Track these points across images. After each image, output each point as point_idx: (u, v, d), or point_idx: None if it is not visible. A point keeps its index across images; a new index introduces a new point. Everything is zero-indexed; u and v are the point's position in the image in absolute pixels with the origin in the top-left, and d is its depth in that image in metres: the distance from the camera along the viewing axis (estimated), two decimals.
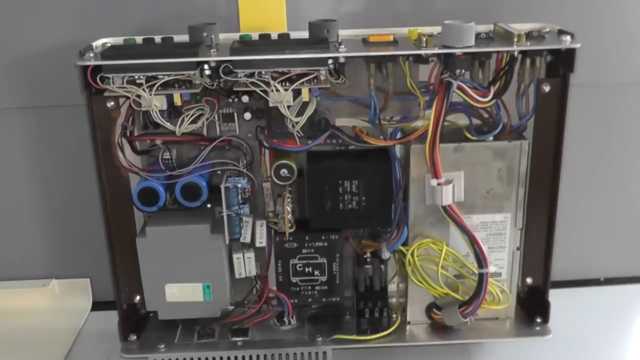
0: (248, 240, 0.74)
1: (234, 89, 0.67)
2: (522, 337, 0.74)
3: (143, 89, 0.64)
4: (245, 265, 0.75)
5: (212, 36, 0.67)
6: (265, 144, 0.72)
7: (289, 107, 0.66)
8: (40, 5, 0.78)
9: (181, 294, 0.73)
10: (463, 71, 0.66)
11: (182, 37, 0.70)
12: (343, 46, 0.64)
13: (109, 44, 0.71)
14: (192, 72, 0.65)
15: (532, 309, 0.75)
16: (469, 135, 0.69)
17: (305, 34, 0.70)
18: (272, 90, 0.65)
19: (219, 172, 0.74)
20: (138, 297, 0.76)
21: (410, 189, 0.70)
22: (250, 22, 0.78)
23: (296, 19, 0.78)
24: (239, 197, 0.73)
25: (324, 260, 0.75)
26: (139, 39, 0.71)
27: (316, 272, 0.75)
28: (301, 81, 0.65)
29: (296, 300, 0.76)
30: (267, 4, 0.78)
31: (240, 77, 0.64)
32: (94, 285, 0.89)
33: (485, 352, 0.77)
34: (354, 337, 0.74)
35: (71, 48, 0.65)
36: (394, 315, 0.76)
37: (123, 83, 0.65)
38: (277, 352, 0.73)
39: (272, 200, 0.74)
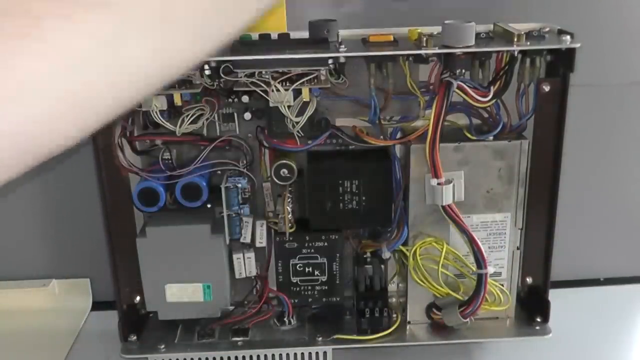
0: (248, 240, 0.74)
1: (234, 89, 0.67)
2: (522, 337, 0.74)
3: None
4: (246, 265, 0.75)
5: None
6: (265, 144, 0.72)
7: (289, 107, 0.66)
8: None
9: (181, 294, 0.73)
10: (463, 71, 0.65)
11: None
12: (343, 46, 0.64)
13: None
14: (192, 72, 0.65)
15: (532, 308, 0.75)
16: (469, 135, 0.69)
17: (305, 34, 0.70)
18: (273, 90, 0.65)
19: (219, 172, 0.74)
20: (138, 297, 0.76)
21: (410, 188, 0.70)
22: None
23: (296, 19, 0.78)
24: (239, 197, 0.73)
25: (324, 260, 0.75)
26: None
27: (316, 272, 0.75)
28: (301, 81, 0.65)
29: (296, 300, 0.76)
30: None
31: (241, 77, 0.64)
32: (94, 285, 0.89)
33: (485, 351, 0.77)
34: (354, 337, 0.74)
35: None
36: (394, 315, 0.76)
37: None
38: (277, 352, 0.73)
39: (272, 200, 0.74)
